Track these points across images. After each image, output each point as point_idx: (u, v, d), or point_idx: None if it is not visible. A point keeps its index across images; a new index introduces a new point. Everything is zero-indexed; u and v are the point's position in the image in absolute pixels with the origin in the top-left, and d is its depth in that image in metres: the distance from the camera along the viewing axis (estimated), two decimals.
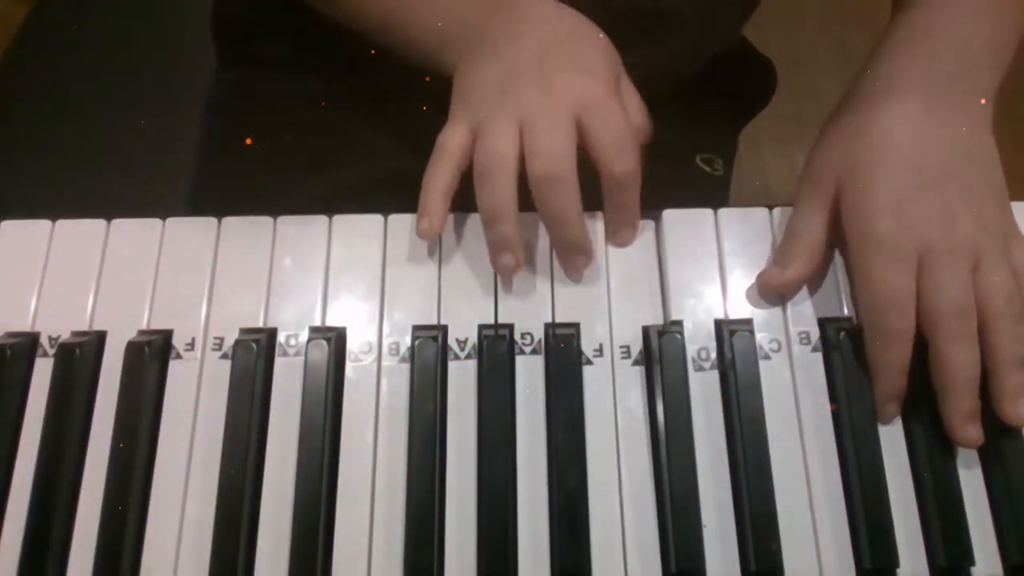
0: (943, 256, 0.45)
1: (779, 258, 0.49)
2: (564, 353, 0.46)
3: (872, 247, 0.46)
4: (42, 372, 0.46)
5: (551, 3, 0.53)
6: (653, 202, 0.50)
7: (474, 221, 0.50)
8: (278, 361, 0.47)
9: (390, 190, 0.66)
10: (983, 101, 0.50)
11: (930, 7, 0.53)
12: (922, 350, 0.45)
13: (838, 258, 0.49)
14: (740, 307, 0.48)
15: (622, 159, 0.47)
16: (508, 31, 0.51)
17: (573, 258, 0.49)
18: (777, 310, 0.48)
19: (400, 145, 0.68)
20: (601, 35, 0.52)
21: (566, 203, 0.47)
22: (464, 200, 0.50)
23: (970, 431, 0.45)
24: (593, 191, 0.49)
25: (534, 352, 0.47)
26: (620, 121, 0.48)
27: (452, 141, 0.49)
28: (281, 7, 0.67)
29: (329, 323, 0.48)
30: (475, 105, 0.49)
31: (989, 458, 0.45)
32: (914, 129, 0.48)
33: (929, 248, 0.46)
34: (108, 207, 0.51)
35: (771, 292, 0.49)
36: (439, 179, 0.49)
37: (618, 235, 0.50)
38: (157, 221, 0.50)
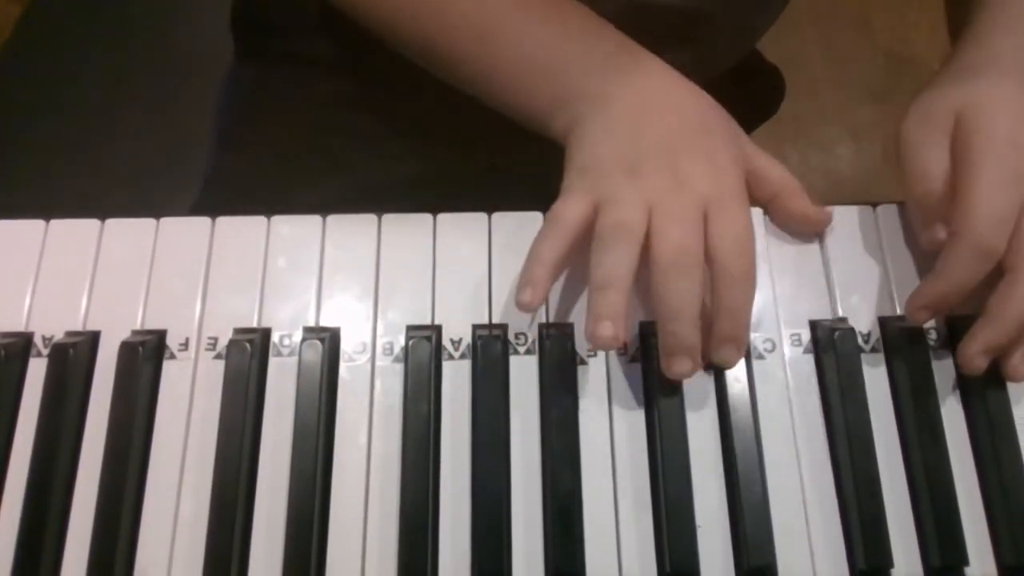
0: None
1: (926, 218, 0.48)
2: (558, 353, 0.46)
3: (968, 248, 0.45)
4: (36, 372, 0.46)
5: (675, 77, 0.50)
6: None
7: (469, 220, 0.50)
8: (272, 361, 0.47)
9: (405, 193, 0.65)
10: None
11: None
12: (914, 349, 0.45)
13: (831, 258, 0.49)
14: None
15: (740, 259, 0.45)
16: (632, 105, 0.48)
17: (676, 360, 0.44)
18: (771, 310, 0.48)
19: (416, 148, 0.67)
20: (726, 119, 0.49)
21: (690, 296, 0.43)
22: (463, 198, 0.49)
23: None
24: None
25: (528, 352, 0.47)
26: (744, 224, 0.45)
27: (570, 213, 0.46)
28: (304, 3, 0.66)
29: (323, 323, 0.48)
30: (598, 180, 0.46)
31: (983, 457, 0.45)
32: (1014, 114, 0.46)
33: None
34: (103, 207, 0.51)
35: (934, 243, 0.47)
36: (549, 251, 0.45)
37: (721, 350, 0.45)
38: (151, 221, 0.50)
